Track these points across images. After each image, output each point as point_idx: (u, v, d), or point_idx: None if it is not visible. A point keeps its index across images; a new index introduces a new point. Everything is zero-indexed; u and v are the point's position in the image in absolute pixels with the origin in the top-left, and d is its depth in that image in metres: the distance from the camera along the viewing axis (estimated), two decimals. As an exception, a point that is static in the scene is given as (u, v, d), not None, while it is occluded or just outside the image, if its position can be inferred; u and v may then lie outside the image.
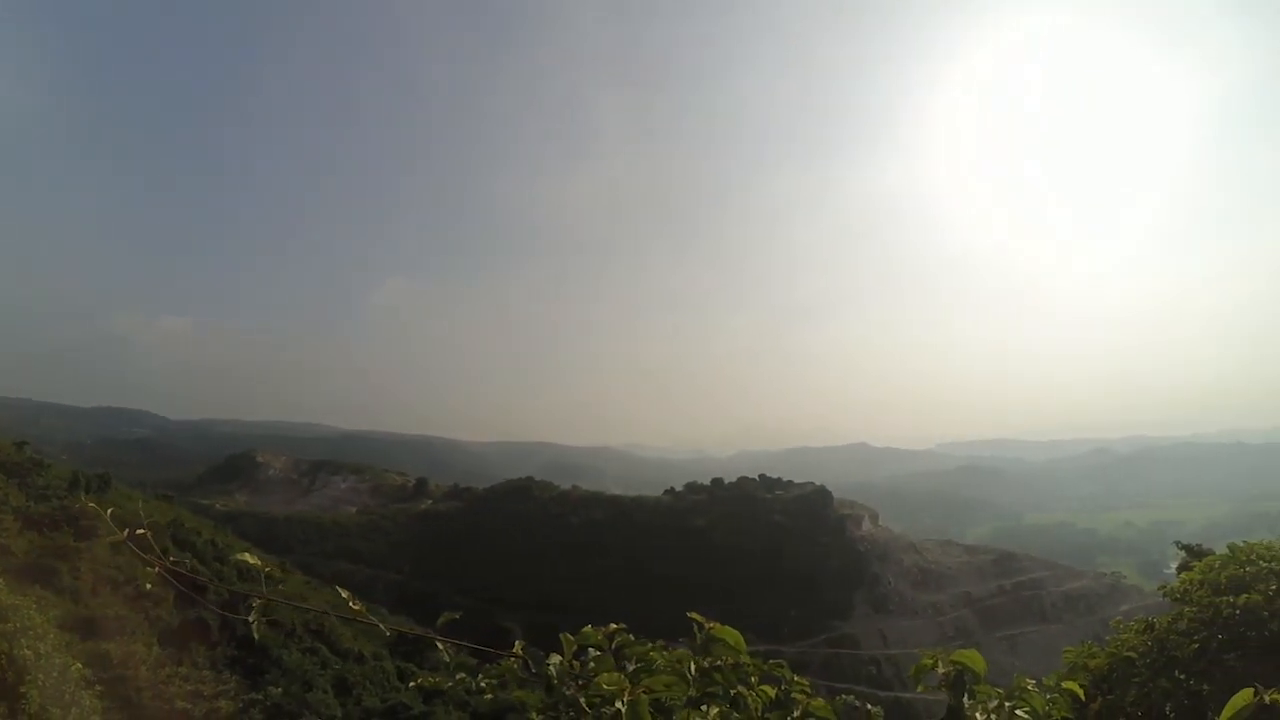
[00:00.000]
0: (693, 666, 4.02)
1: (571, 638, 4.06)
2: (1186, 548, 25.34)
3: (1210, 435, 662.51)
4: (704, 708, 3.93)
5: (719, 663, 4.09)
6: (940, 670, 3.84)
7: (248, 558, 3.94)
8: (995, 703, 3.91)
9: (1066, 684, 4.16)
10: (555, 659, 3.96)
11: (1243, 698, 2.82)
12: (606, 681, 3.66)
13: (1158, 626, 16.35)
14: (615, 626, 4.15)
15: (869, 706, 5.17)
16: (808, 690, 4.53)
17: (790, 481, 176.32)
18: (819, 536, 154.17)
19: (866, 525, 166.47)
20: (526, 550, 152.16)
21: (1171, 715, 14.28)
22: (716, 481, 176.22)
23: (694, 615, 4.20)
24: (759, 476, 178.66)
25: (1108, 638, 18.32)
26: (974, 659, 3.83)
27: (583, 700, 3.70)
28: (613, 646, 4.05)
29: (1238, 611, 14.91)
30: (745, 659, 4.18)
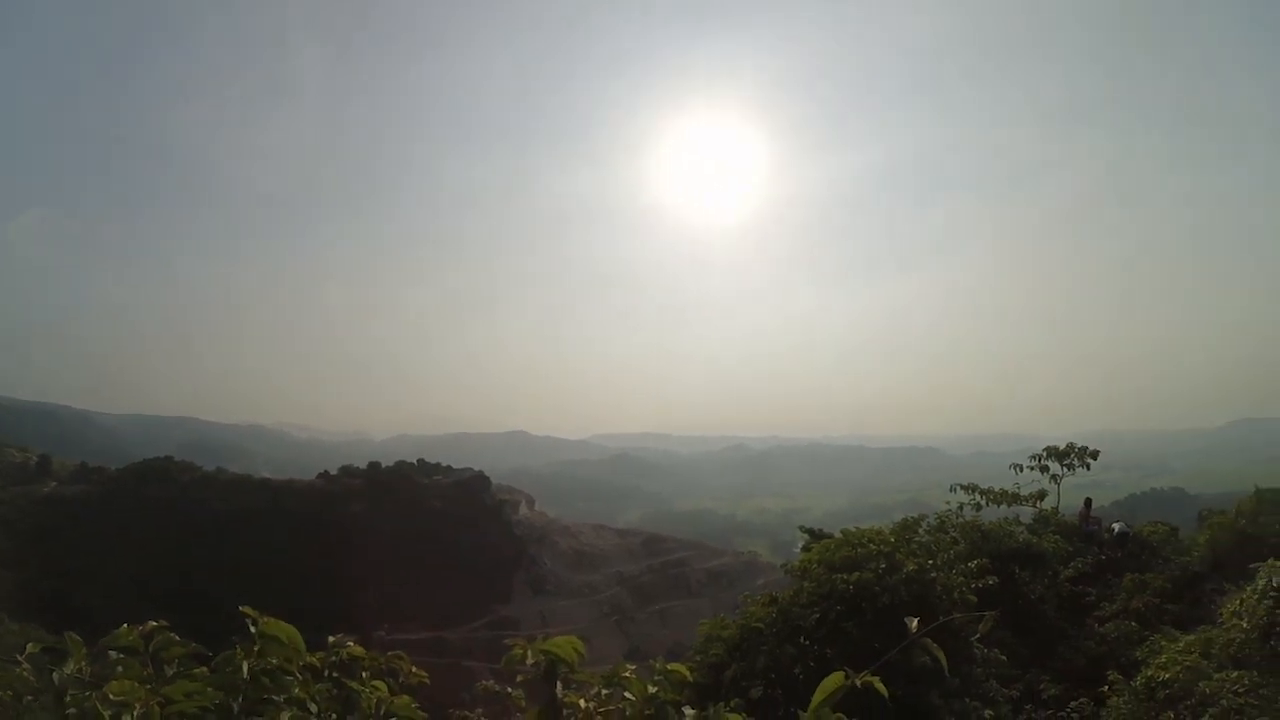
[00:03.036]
0: (245, 669, 3.43)
1: (79, 639, 3.48)
2: (809, 530, 28.32)
3: (836, 438, 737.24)
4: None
5: (273, 664, 3.54)
6: (530, 660, 3.55)
7: None
8: (595, 689, 3.73)
9: (672, 666, 3.95)
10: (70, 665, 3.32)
11: (833, 680, 2.87)
12: (115, 690, 3.11)
13: (781, 600, 18.48)
14: (154, 624, 3.60)
15: (509, 690, 5.26)
16: (426, 679, 4.44)
17: (449, 466, 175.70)
18: (478, 521, 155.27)
19: (524, 510, 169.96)
20: (167, 540, 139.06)
21: (800, 676, 16.39)
22: (374, 465, 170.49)
23: (246, 610, 3.62)
24: (418, 461, 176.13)
25: (738, 610, 20.46)
26: (565, 647, 3.53)
27: (107, 713, 3.07)
28: (149, 649, 3.51)
29: (851, 587, 17.44)
30: (304, 659, 3.70)
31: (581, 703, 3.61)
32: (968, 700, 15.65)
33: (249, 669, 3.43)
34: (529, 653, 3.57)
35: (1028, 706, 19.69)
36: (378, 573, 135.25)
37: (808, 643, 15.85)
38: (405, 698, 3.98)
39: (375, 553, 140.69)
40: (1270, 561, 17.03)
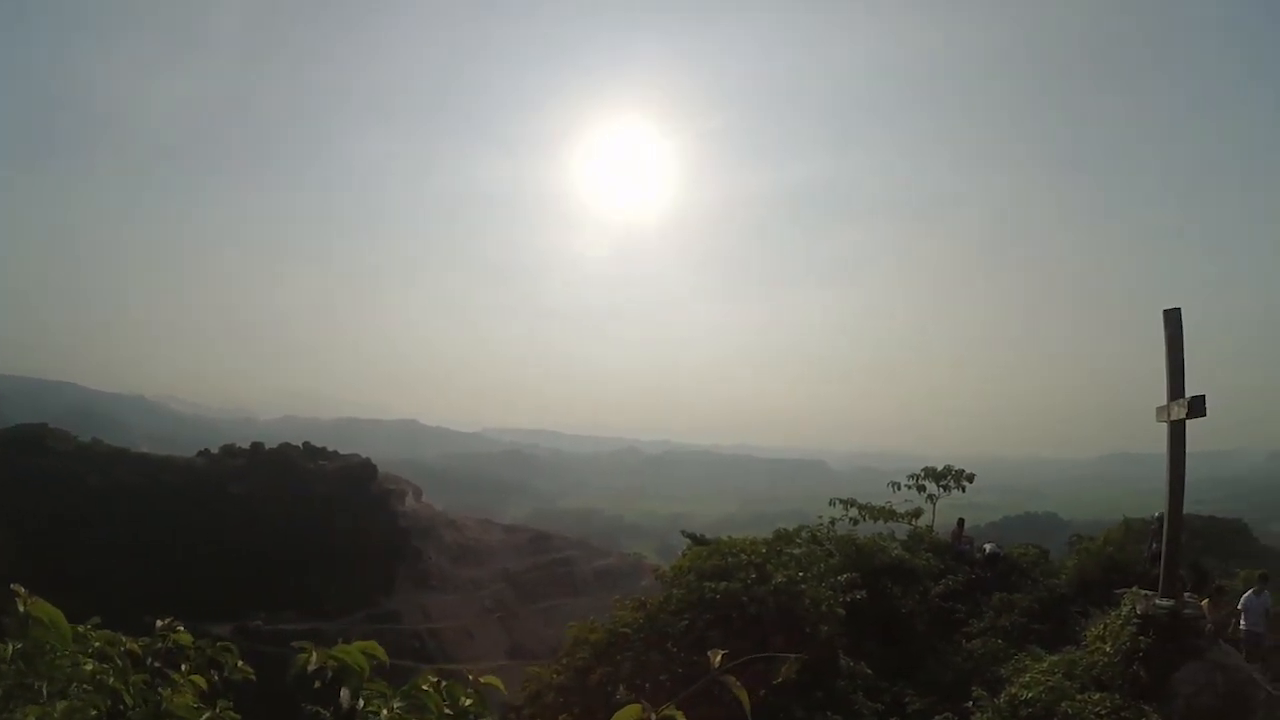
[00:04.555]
0: (9, 651, 3.17)
1: None
2: (691, 536, 28.64)
3: (727, 446, 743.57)
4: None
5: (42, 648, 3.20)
6: (314, 665, 3.27)
7: None
8: (396, 701, 3.41)
9: (485, 679, 3.80)
10: None
11: (629, 713, 2.71)
12: None
13: (649, 605, 18.58)
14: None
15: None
16: (251, 675, 4.10)
17: (335, 452, 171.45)
18: (362, 511, 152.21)
19: (410, 501, 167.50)
20: (38, 514, 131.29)
21: (667, 683, 16.37)
22: (257, 446, 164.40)
23: (16, 588, 3.27)
24: (303, 444, 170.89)
25: (607, 613, 20.44)
26: (354, 654, 3.29)
27: None
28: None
29: (719, 596, 17.62)
30: (68, 645, 3.31)
31: (384, 713, 3.31)
32: (829, 713, 15.72)
33: (11, 652, 3.15)
34: (314, 657, 3.26)
35: (893, 719, 19.92)
36: (256, 559, 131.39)
37: (675, 649, 15.74)
38: (186, 696, 3.65)
39: (254, 538, 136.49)
40: (1134, 589, 17.61)
